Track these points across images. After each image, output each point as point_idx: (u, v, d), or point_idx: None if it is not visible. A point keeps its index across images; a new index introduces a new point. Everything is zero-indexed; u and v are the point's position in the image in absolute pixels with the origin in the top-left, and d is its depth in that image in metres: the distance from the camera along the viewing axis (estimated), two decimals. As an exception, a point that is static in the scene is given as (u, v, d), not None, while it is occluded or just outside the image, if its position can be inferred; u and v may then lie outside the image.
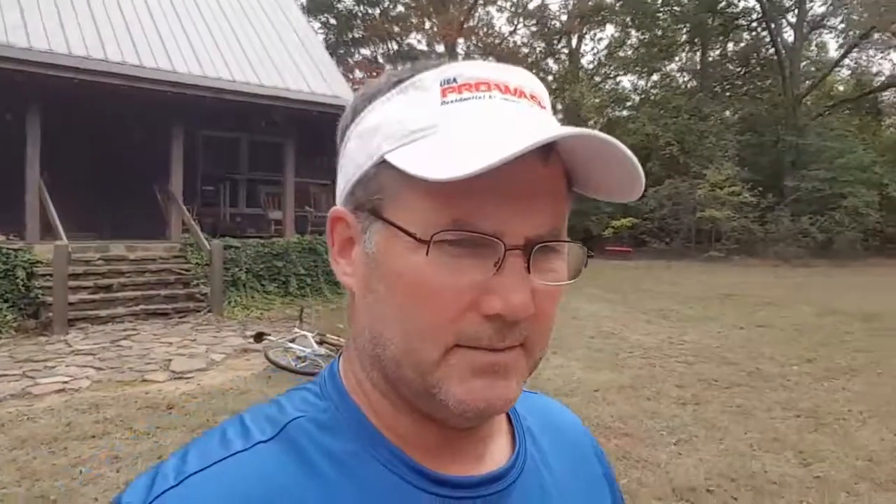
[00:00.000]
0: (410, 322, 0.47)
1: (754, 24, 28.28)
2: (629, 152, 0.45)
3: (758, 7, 26.91)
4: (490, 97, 0.48)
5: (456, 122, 0.46)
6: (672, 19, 28.35)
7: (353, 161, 0.51)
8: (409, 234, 0.46)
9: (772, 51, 26.74)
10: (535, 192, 0.46)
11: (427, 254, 0.45)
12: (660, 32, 28.53)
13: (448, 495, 0.51)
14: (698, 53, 29.39)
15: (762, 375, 6.23)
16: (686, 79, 30.43)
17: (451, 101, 0.47)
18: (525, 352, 0.48)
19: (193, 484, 0.46)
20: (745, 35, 28.94)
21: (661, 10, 28.32)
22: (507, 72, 0.49)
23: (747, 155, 22.77)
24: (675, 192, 21.25)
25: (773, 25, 26.37)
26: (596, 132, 0.44)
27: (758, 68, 28.17)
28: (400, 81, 0.49)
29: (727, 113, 25.74)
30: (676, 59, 30.25)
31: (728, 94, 28.92)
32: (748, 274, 16.63)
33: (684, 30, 28.54)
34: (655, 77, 30.62)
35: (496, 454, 0.56)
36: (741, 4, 27.77)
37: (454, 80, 0.48)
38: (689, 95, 26.91)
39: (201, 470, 0.47)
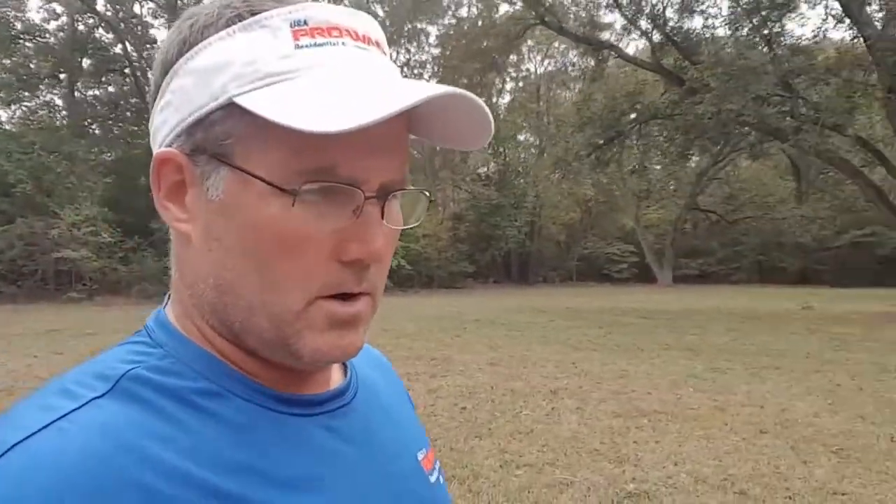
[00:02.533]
0: (270, 274, 0.47)
1: (127, 71, 30.02)
2: (481, 103, 0.48)
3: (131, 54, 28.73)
4: (343, 44, 0.49)
5: (318, 69, 0.47)
6: (36, 50, 27.36)
7: (187, 99, 0.49)
8: (271, 185, 0.46)
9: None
10: (389, 142, 0.49)
11: (293, 204, 0.46)
12: (21, 60, 27.09)
13: (309, 413, 0.54)
14: (66, 90, 29.19)
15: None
16: (49, 114, 29.68)
17: (306, 46, 0.47)
18: (371, 299, 0.52)
19: (19, 457, 0.41)
20: (119, 79, 30.37)
21: (23, 37, 27.00)
22: (355, 17, 0.51)
23: (118, 196, 23.94)
24: (29, 232, 20.53)
25: (139, 74, 28.61)
26: (462, 91, 0.46)
27: (128, 113, 29.96)
28: (239, 17, 0.48)
29: (93, 154, 26.37)
30: (38, 92, 29.21)
31: (98, 134, 29.67)
32: (105, 313, 17.50)
33: (49, 63, 27.93)
34: (15, 109, 28.80)
35: (335, 379, 0.60)
36: (112, 50, 29.08)
37: (304, 22, 0.48)
38: (52, 132, 26.45)
39: (24, 439, 0.41)
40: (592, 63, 23.21)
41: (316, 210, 0.47)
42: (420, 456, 0.63)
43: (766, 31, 16.31)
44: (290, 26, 0.48)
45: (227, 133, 0.47)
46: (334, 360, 0.52)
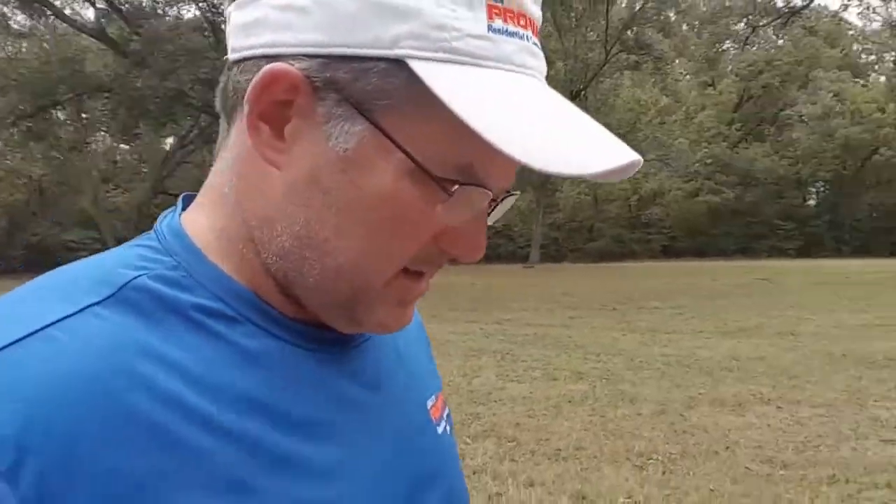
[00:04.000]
0: (375, 246, 0.45)
1: None
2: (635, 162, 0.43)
3: None
4: (527, 38, 0.45)
5: (509, 68, 0.43)
6: None
7: (341, 24, 0.41)
8: (424, 169, 0.42)
9: None
10: None
11: (440, 198, 0.43)
12: None
13: (327, 351, 0.50)
14: None
15: None
16: None
17: (497, 31, 0.43)
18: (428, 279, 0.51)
19: (8, 360, 0.38)
20: None
21: None
22: (538, 4, 0.46)
23: None
24: None
25: None
26: (637, 161, 0.43)
27: None
28: None
29: None
30: None
31: None
32: None
33: None
34: None
35: None
36: None
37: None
38: None
39: (6, 346, 0.38)
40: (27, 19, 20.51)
41: (445, 202, 0.44)
42: (430, 404, 0.60)
43: (210, 16, 17.23)
44: (487, 1, 0.43)
45: (383, 91, 0.42)
46: (388, 331, 0.51)
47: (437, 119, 0.41)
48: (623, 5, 29.60)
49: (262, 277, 0.48)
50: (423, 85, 0.41)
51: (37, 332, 0.39)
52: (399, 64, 0.41)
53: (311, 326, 0.50)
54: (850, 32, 42.68)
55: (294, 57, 0.43)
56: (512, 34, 0.44)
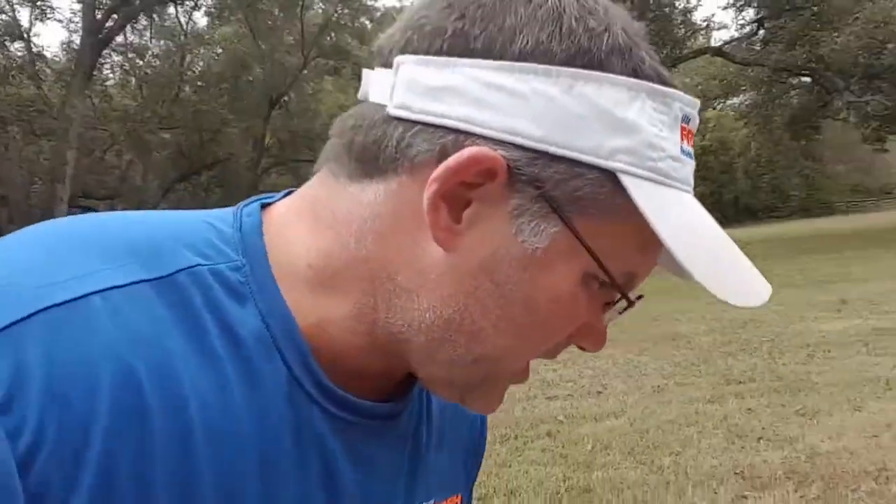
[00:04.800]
0: (531, 339, 0.46)
1: None
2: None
3: None
4: (691, 158, 0.46)
5: (688, 191, 0.45)
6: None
7: (561, 122, 0.41)
8: (610, 276, 0.43)
9: None
10: None
11: (620, 308, 0.46)
12: None
13: (346, 418, 0.47)
14: None
15: None
16: None
17: (684, 153, 0.45)
18: None
19: (55, 320, 0.37)
20: None
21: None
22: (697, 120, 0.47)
23: None
24: None
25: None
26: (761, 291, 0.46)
27: None
28: (643, 72, 0.43)
29: None
30: None
31: None
32: None
33: None
34: None
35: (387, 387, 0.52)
36: None
37: (688, 120, 0.45)
38: None
39: (71, 301, 0.37)
40: None
41: (596, 300, 0.46)
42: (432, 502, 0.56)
43: None
44: (681, 121, 0.44)
45: (590, 199, 0.42)
46: (484, 413, 0.52)
47: (629, 231, 0.43)
48: (319, 11, 30.00)
49: (345, 333, 0.46)
50: (627, 199, 0.41)
51: (81, 298, 0.38)
52: (609, 175, 0.42)
53: (341, 390, 0.47)
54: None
55: (498, 142, 0.41)
56: (689, 154, 0.45)
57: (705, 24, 29.54)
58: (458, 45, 0.42)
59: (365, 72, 0.48)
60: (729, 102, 35.79)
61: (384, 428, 0.50)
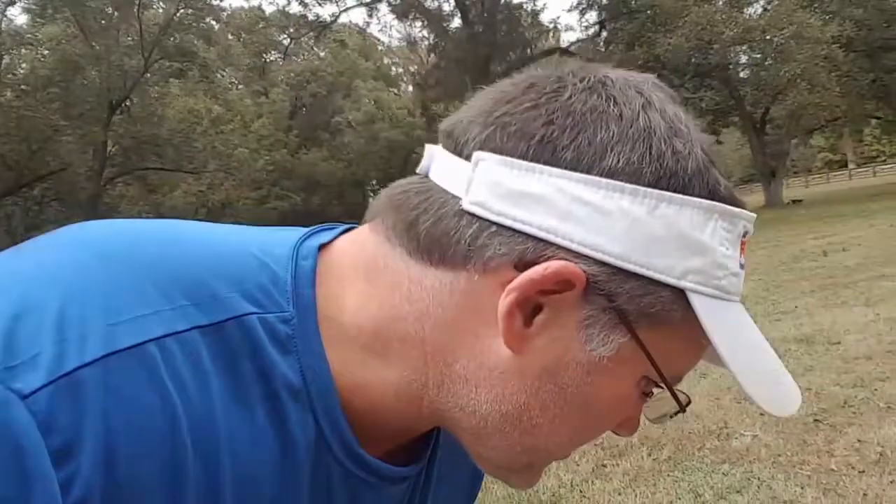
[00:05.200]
0: (582, 435, 0.48)
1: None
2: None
3: None
4: (743, 270, 0.47)
5: (738, 303, 0.47)
6: None
7: (641, 242, 0.42)
8: (666, 383, 0.46)
9: None
10: None
11: (658, 399, 0.47)
12: None
13: (362, 478, 0.49)
14: None
15: None
16: None
17: (740, 269, 0.46)
18: None
19: (116, 369, 0.37)
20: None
21: None
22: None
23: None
24: None
25: None
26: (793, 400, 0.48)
27: None
28: (718, 194, 0.44)
29: None
30: None
31: None
32: None
33: None
34: None
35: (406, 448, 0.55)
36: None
37: (747, 234, 0.46)
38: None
39: (131, 348, 0.37)
40: None
41: (643, 398, 0.48)
42: None
43: None
44: (741, 236, 0.46)
45: (659, 314, 0.44)
46: (522, 489, 0.57)
47: (686, 341, 0.45)
48: (159, 10, 28.32)
49: (391, 396, 0.47)
50: (692, 314, 0.43)
51: (137, 346, 0.38)
52: (679, 293, 0.43)
53: (361, 446, 0.48)
54: (380, 47, 49.02)
55: (579, 255, 0.42)
56: (742, 267, 0.47)
57: (552, 25, 31.02)
58: (546, 152, 0.43)
59: (429, 148, 0.48)
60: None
61: (389, 491, 0.52)
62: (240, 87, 40.04)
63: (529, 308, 0.43)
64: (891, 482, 2.80)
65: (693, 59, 23.61)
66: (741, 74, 26.50)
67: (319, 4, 34.46)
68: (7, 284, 0.39)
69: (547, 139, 0.43)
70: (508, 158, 0.43)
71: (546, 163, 0.42)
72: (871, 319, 5.48)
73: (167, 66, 27.99)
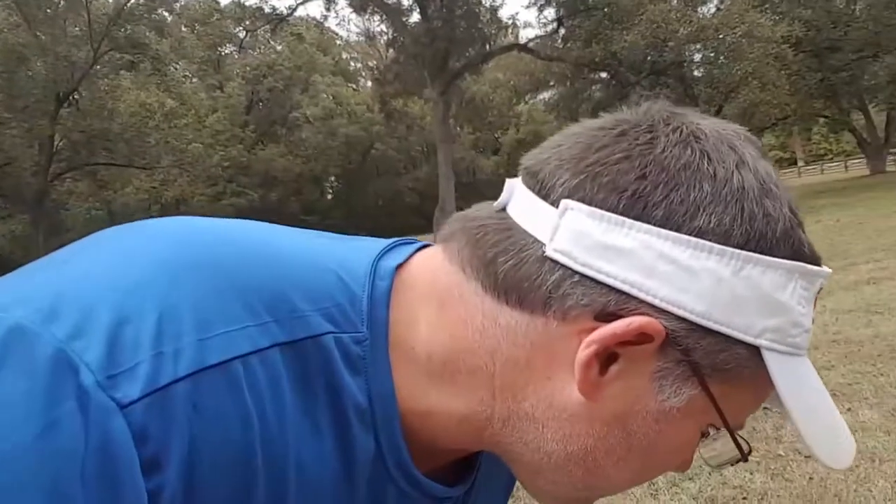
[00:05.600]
0: (643, 477, 0.49)
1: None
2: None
3: None
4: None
5: (805, 357, 0.47)
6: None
7: (720, 300, 0.42)
8: (731, 433, 0.46)
9: None
10: None
11: (737, 459, 0.48)
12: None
13: (415, 497, 0.50)
14: None
15: None
16: None
17: (812, 323, 0.47)
18: None
19: (205, 385, 0.38)
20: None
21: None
22: None
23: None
24: None
25: None
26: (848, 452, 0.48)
27: None
28: (802, 255, 0.45)
29: None
30: None
31: None
32: None
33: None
34: None
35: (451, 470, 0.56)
36: None
37: (820, 290, 0.47)
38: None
39: (218, 365, 0.39)
40: None
41: (705, 443, 0.48)
42: None
43: None
44: (816, 293, 0.46)
45: (732, 371, 0.44)
46: None
47: (755, 395, 0.47)
48: (109, 0, 27.55)
49: (444, 418, 0.48)
50: (764, 370, 0.44)
51: (224, 363, 0.39)
52: (754, 350, 0.44)
53: (416, 467, 0.49)
54: (338, 42, 48.60)
55: (660, 311, 0.42)
56: (814, 321, 0.47)
57: (511, 21, 31.20)
58: (637, 207, 0.43)
59: (510, 183, 0.49)
60: (539, 97, 38.21)
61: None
62: (194, 80, 39.26)
63: (605, 356, 0.44)
64: (834, 466, 2.91)
65: (649, 57, 24.04)
66: (695, 72, 27.09)
67: (276, -4, 33.95)
68: (106, 287, 0.40)
69: (639, 194, 0.43)
70: (598, 210, 0.43)
71: (636, 218, 0.42)
72: (818, 311, 5.64)
73: (118, 58, 27.22)
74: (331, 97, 40.32)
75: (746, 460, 0.49)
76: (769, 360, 0.44)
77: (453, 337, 0.47)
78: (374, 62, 42.99)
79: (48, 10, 24.39)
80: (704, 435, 0.47)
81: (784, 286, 0.44)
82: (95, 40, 24.88)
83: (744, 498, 2.77)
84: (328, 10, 44.24)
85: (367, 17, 31.53)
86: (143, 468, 0.36)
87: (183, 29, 36.76)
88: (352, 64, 51.73)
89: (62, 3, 24.96)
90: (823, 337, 4.85)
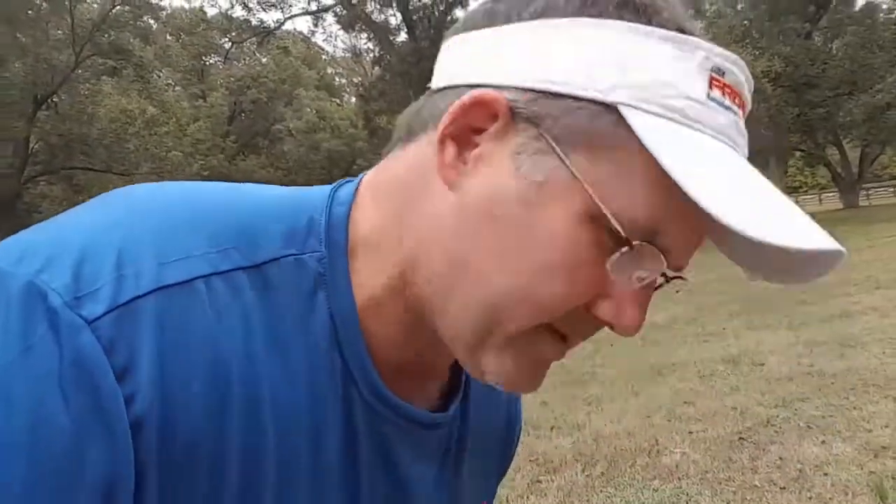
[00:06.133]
0: (530, 285, 0.44)
1: None
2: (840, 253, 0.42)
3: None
4: (737, 116, 0.45)
5: (722, 138, 0.44)
6: None
7: (554, 62, 0.43)
8: (603, 215, 0.42)
9: None
10: (705, 231, 0.46)
11: (618, 249, 0.43)
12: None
13: (385, 416, 0.51)
14: None
15: None
16: None
17: (714, 102, 0.44)
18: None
19: (166, 300, 0.41)
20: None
21: None
22: (749, 87, 0.47)
23: None
24: None
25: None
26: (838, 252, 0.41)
27: None
28: (656, 24, 0.43)
29: None
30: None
31: None
32: None
33: None
34: None
35: (437, 387, 0.57)
36: None
37: (722, 73, 0.44)
38: None
39: (180, 283, 0.42)
40: None
41: (616, 258, 0.43)
42: None
43: None
44: (710, 70, 0.44)
45: (586, 133, 0.43)
46: (506, 389, 0.49)
47: (635, 171, 0.42)
48: (94, 5, 27.37)
49: (387, 297, 0.49)
50: (629, 133, 0.41)
51: (185, 282, 0.42)
52: (609, 109, 0.42)
53: (395, 388, 0.51)
54: (324, 57, 48.69)
55: (502, 87, 0.44)
56: (727, 108, 0.44)
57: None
58: (486, 20, 0.47)
59: None
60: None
61: (421, 436, 0.54)
62: (177, 88, 39.00)
63: (465, 145, 0.46)
64: (809, 498, 2.95)
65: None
66: (677, 102, 27.45)
67: (264, 10, 33.99)
68: (76, 230, 0.44)
69: (488, 11, 0.48)
70: (457, 37, 0.49)
71: (486, 26, 0.47)
72: (792, 342, 5.76)
73: (100, 63, 27.00)
74: (314, 111, 40.27)
75: (667, 278, 0.47)
76: (628, 115, 0.42)
77: (377, 210, 0.51)
78: (360, 78, 43.08)
79: (30, 12, 24.15)
80: (608, 251, 0.43)
81: (634, 47, 0.43)
82: (78, 44, 24.67)
83: (721, 528, 2.80)
84: (316, 25, 44.47)
85: (354, 34, 31.72)
86: (116, 375, 0.39)
87: (168, 37, 36.58)
88: (337, 79, 51.82)
89: (45, 5, 24.72)
90: (798, 369, 4.94)
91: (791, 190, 58.80)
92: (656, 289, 0.49)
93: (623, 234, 0.42)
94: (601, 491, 3.29)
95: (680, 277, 0.49)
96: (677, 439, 3.82)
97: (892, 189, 44.39)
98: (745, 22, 26.11)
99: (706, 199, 0.39)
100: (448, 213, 0.46)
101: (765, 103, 23.48)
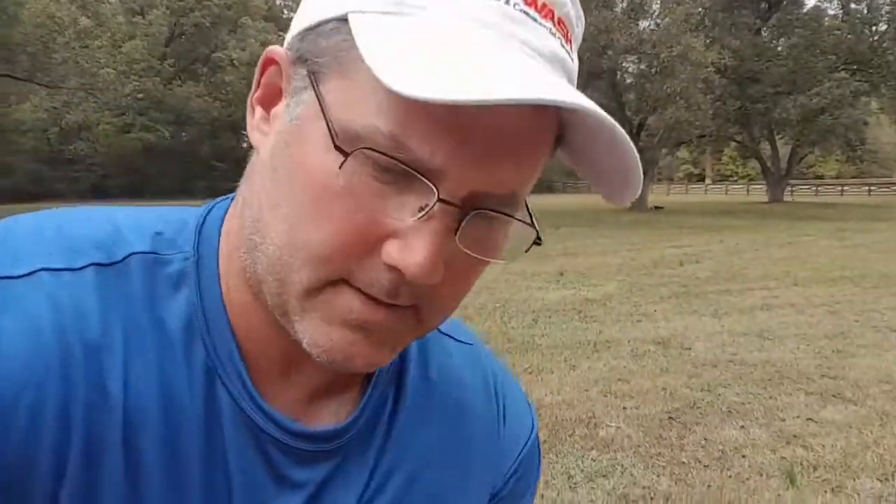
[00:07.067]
0: (301, 230, 0.40)
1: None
2: (623, 137, 0.39)
3: None
4: (508, 5, 0.40)
5: (448, 12, 0.39)
6: None
7: (315, 2, 0.44)
8: (331, 131, 0.39)
9: None
10: (507, 139, 0.39)
11: (340, 166, 0.38)
12: None
13: (255, 420, 0.48)
14: None
15: None
16: None
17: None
18: (416, 317, 0.43)
19: (8, 288, 0.42)
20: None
21: None
22: None
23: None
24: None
25: None
26: (597, 113, 0.37)
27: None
28: None
29: None
30: None
31: None
32: None
33: None
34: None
35: (342, 403, 0.52)
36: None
37: None
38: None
39: (23, 275, 0.43)
40: None
41: (371, 185, 0.39)
42: None
43: None
44: None
45: (322, 50, 0.41)
46: (337, 364, 0.43)
47: (365, 77, 0.37)
48: None
49: (243, 293, 0.48)
50: (353, 40, 0.38)
51: (31, 273, 0.43)
52: (344, 21, 0.40)
53: (277, 405, 0.49)
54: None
55: (289, 43, 0.45)
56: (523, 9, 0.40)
57: None
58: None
59: None
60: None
61: (308, 443, 0.50)
62: (112, 0, 36.78)
63: (270, 106, 0.46)
64: (729, 476, 3.31)
65: (588, 57, 24.71)
66: (627, 81, 28.08)
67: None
68: None
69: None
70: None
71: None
72: (717, 330, 6.22)
73: (29, -39, 25.14)
74: (259, 44, 38.83)
75: (463, 210, 0.39)
76: (359, 28, 0.39)
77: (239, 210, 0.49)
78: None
79: None
80: (380, 179, 0.39)
81: None
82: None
83: (651, 498, 3.12)
84: (268, -50, 42.44)
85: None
86: None
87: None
88: (285, 12, 50.01)
89: None
90: (722, 356, 5.37)
91: (723, 177, 61.24)
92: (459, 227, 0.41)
93: (336, 142, 0.39)
94: (543, 457, 3.53)
95: (503, 214, 0.42)
96: (613, 414, 4.14)
97: (813, 188, 46.99)
98: (701, 10, 26.68)
99: (381, 66, 0.35)
100: (258, 172, 0.45)
101: (710, 94, 24.30)
